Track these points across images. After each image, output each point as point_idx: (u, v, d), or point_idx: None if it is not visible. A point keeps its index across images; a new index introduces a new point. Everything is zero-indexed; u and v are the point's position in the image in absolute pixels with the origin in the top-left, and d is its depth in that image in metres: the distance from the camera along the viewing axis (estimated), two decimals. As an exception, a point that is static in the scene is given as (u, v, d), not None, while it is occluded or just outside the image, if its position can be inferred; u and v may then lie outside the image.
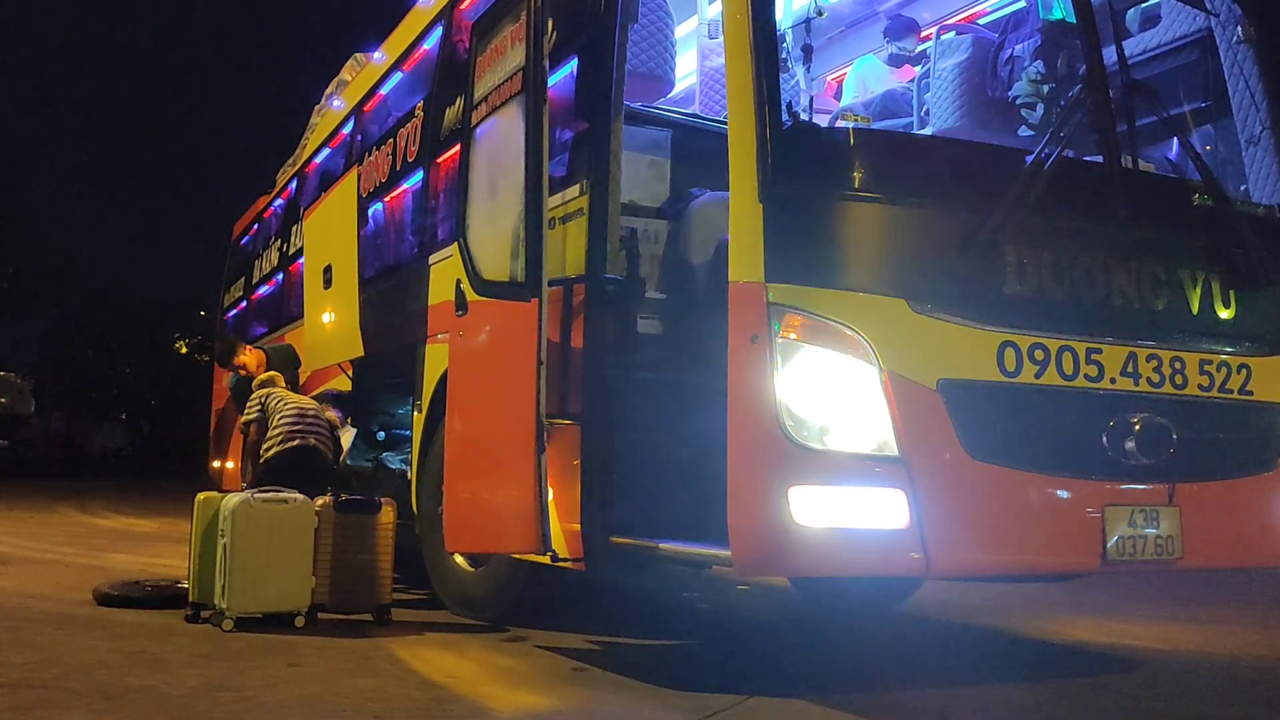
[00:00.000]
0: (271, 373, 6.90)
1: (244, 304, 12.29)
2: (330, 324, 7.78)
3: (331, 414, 6.60)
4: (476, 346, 4.69)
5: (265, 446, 6.16)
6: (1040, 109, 4.71)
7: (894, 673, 4.72)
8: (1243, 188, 4.57)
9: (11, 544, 9.32)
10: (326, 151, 9.38)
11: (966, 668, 4.85)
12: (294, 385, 7.42)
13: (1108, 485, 3.83)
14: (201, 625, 5.16)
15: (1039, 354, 3.75)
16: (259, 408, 6.41)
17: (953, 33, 5.33)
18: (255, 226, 12.46)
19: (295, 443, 6.06)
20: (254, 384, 6.91)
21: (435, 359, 5.78)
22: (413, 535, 5.95)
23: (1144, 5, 5.06)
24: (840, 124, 5.16)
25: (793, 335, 3.49)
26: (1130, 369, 3.91)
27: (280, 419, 6.17)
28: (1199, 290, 4.11)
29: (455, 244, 4.80)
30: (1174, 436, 3.87)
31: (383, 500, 5.54)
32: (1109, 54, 4.15)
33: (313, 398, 6.90)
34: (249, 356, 7.83)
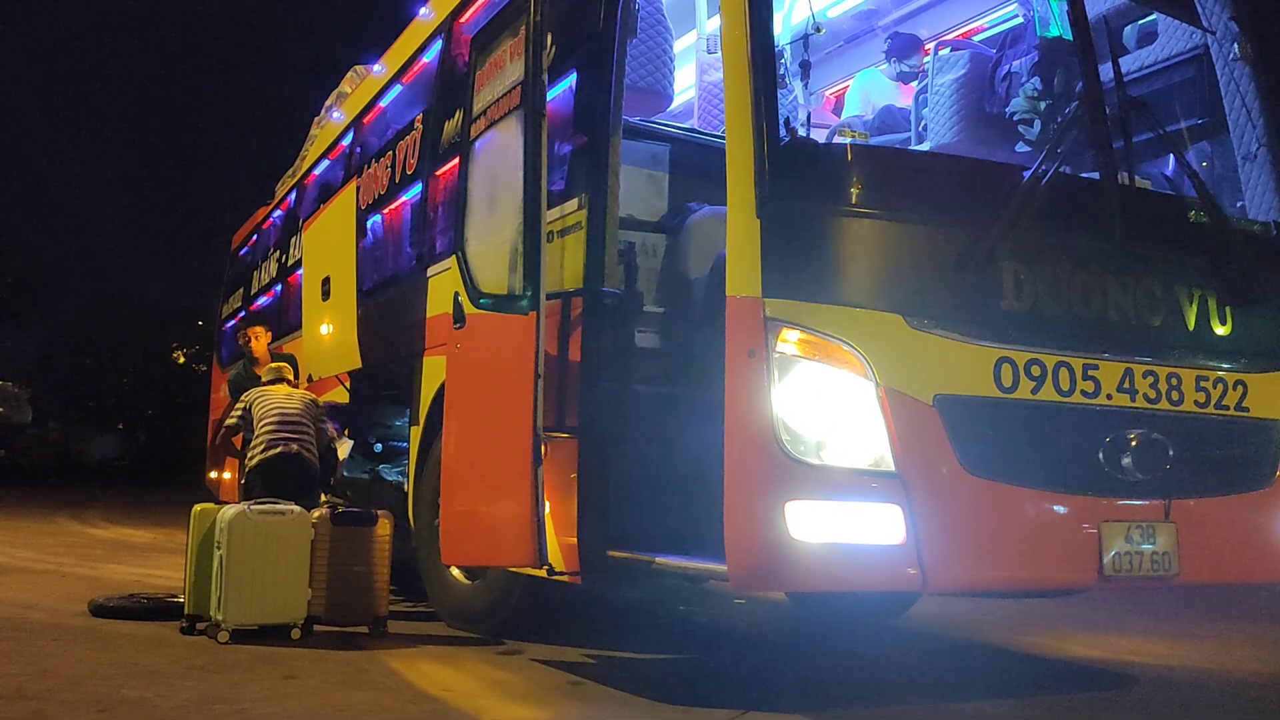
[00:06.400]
0: (281, 364, 6.85)
1: (243, 314, 12.28)
2: (328, 335, 7.78)
3: (329, 426, 6.58)
4: (474, 359, 4.69)
5: (249, 455, 6.14)
6: (1037, 125, 4.72)
7: (890, 687, 4.71)
8: (1239, 204, 4.59)
9: (8, 554, 9.30)
10: (326, 163, 9.39)
11: (963, 683, 4.84)
12: None
13: (1104, 501, 3.83)
14: (197, 637, 5.15)
15: (1035, 370, 3.75)
16: (240, 414, 6.36)
17: (948, 49, 5.36)
18: (254, 237, 12.48)
19: (278, 450, 6.02)
20: (264, 373, 6.86)
21: (432, 371, 5.78)
22: (409, 547, 5.94)
23: (1141, 22, 5.08)
24: (837, 139, 5.18)
25: (790, 350, 3.50)
26: (1127, 385, 3.91)
27: (262, 425, 6.14)
28: (1195, 306, 4.12)
29: (453, 257, 4.81)
30: (1170, 452, 3.87)
31: (379, 512, 5.55)
32: (1106, 70, 4.17)
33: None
34: (259, 343, 7.79)
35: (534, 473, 4.09)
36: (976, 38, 5.87)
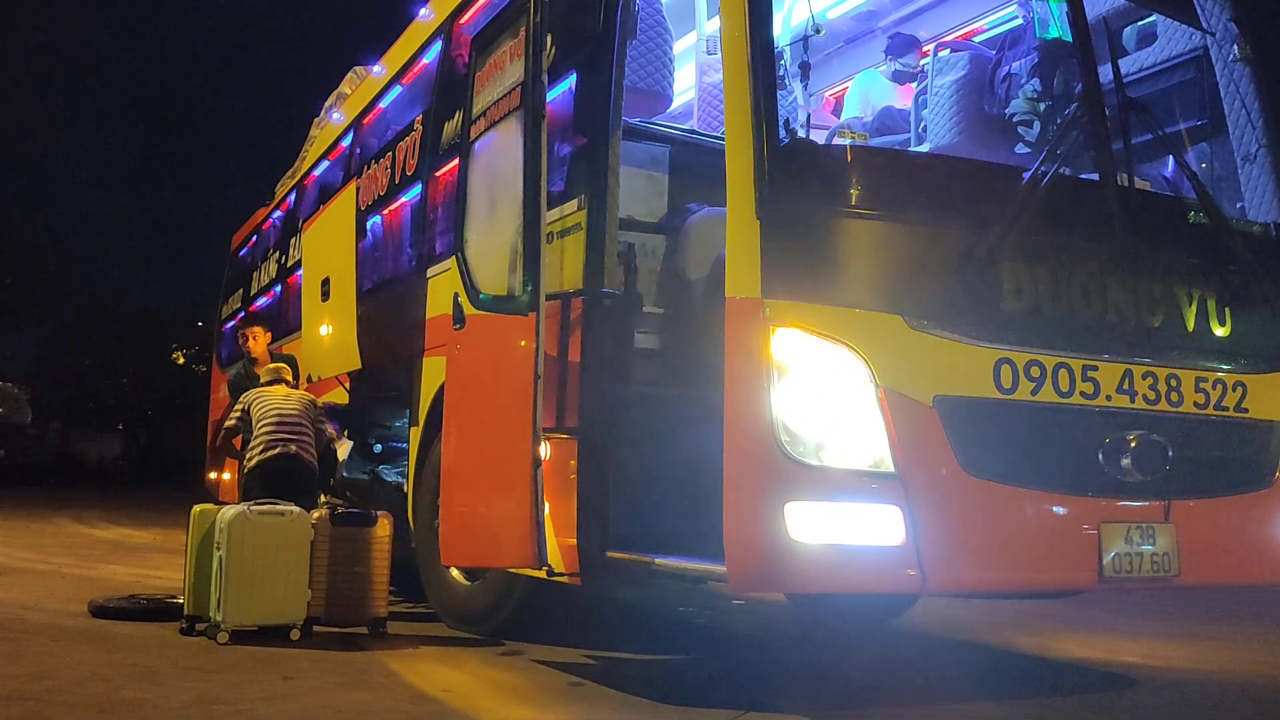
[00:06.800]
0: (280, 365, 6.85)
1: (242, 315, 12.27)
2: (328, 336, 7.77)
3: (328, 426, 6.57)
4: (473, 360, 4.69)
5: (248, 456, 6.14)
6: (1037, 126, 4.73)
7: (889, 689, 4.71)
8: (1239, 205, 4.59)
9: (7, 554, 9.30)
10: (325, 164, 9.39)
11: (962, 684, 4.84)
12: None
13: (1104, 502, 3.83)
14: (196, 638, 5.15)
15: (1035, 371, 3.75)
16: (239, 416, 6.36)
17: (948, 50, 5.36)
18: (254, 238, 12.47)
19: (276, 450, 6.01)
20: (262, 374, 6.85)
21: (432, 372, 5.78)
22: (409, 548, 5.94)
23: (1140, 23, 5.08)
24: (837, 141, 5.18)
25: (789, 351, 3.50)
26: (1126, 386, 3.91)
27: (261, 426, 6.14)
28: (1195, 308, 4.12)
29: (453, 258, 4.81)
30: (1170, 454, 3.87)
31: (379, 513, 5.54)
32: (1105, 72, 4.17)
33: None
34: (259, 343, 7.77)
35: (533, 474, 4.09)
36: (976, 39, 5.88)
